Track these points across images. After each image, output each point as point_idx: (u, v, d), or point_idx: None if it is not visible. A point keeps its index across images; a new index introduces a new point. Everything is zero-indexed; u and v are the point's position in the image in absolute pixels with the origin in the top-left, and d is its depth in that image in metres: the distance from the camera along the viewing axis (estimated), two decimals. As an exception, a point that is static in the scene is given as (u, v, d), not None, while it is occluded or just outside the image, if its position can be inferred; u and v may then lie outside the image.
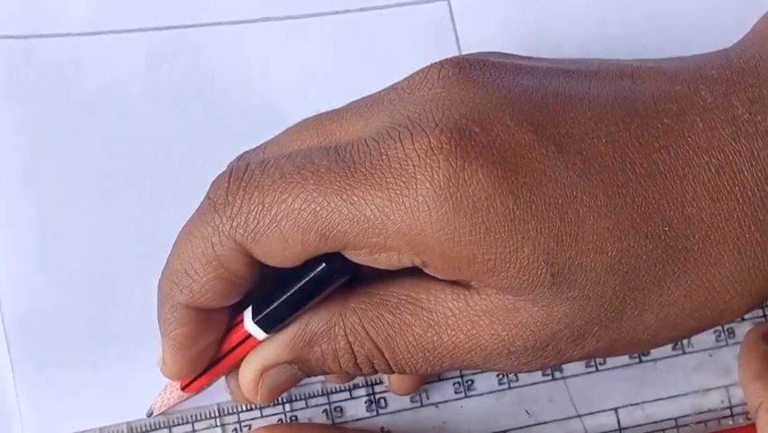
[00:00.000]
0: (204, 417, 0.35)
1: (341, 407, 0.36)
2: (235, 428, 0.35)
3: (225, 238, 0.29)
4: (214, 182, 0.30)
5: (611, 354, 0.31)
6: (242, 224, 0.29)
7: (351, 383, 0.36)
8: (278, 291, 0.30)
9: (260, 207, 0.28)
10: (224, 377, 0.34)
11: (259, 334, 0.31)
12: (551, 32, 0.37)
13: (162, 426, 0.35)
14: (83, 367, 0.35)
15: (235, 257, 0.29)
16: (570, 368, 0.37)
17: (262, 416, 0.36)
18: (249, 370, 0.32)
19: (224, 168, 0.36)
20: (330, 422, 0.36)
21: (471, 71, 0.29)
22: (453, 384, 0.37)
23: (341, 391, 0.36)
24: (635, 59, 0.31)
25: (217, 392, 0.35)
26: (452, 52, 0.37)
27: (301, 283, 0.29)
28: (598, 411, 0.37)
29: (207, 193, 0.30)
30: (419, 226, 0.27)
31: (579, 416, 0.37)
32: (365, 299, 0.30)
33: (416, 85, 0.29)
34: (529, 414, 0.37)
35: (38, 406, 0.35)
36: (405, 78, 0.30)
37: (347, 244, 0.28)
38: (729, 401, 0.38)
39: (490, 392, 0.37)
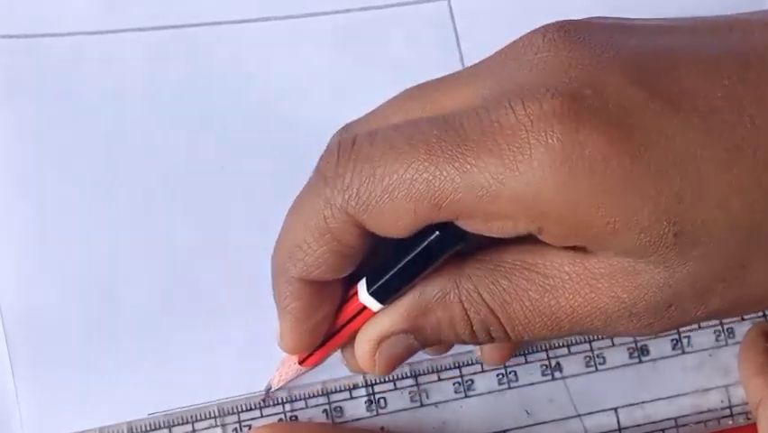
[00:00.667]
0: (204, 417, 0.35)
1: (340, 407, 0.36)
2: (235, 428, 0.35)
3: (337, 211, 0.29)
4: (322, 156, 0.30)
5: (736, 313, 0.30)
6: (353, 196, 0.29)
7: (351, 383, 0.36)
8: (391, 262, 0.30)
9: (372, 179, 0.28)
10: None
11: (374, 305, 0.31)
12: None
13: (162, 426, 0.35)
14: (83, 367, 0.35)
15: (348, 229, 0.29)
16: (569, 368, 0.37)
17: (262, 415, 0.36)
18: (365, 341, 0.31)
19: (224, 167, 0.36)
20: (330, 422, 0.36)
21: (577, 34, 0.28)
22: (453, 384, 0.37)
23: (340, 391, 0.36)
24: (741, 12, 0.30)
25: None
26: (452, 52, 0.37)
27: (415, 252, 0.29)
28: (598, 411, 0.37)
29: (317, 167, 0.30)
30: (535, 193, 0.27)
31: (578, 416, 0.37)
32: (478, 265, 0.30)
33: (521, 50, 0.29)
34: (529, 414, 0.37)
35: (38, 406, 0.35)
36: (507, 45, 0.29)
37: (461, 212, 0.28)
38: (729, 401, 0.38)
39: (490, 392, 0.37)
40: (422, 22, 0.37)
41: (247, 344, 0.36)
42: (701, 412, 0.38)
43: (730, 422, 0.38)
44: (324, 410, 0.36)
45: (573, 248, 0.28)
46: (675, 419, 0.37)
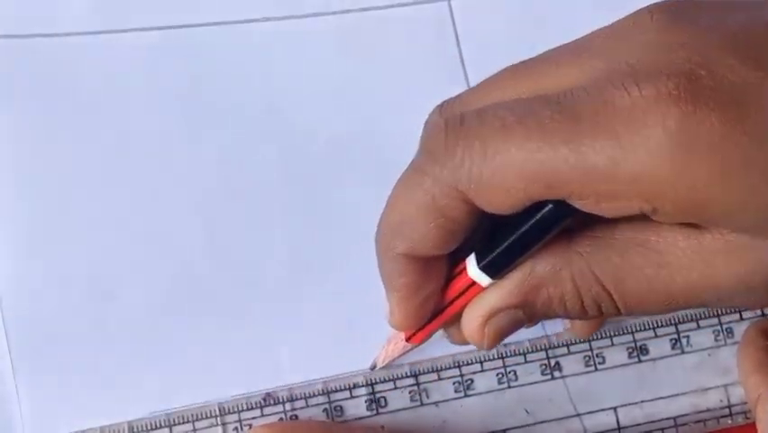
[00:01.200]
0: (204, 416, 0.35)
1: (341, 406, 0.36)
2: (236, 427, 0.35)
3: (447, 188, 0.29)
4: (426, 135, 0.30)
5: None
6: (464, 174, 0.28)
7: (351, 382, 0.36)
8: (500, 237, 0.30)
9: (483, 157, 0.28)
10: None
11: (483, 280, 0.31)
12: (552, 32, 0.37)
13: (163, 425, 0.35)
14: (83, 367, 0.35)
15: (456, 206, 0.29)
16: (569, 367, 0.37)
17: (263, 415, 0.36)
18: (474, 317, 0.32)
19: (224, 167, 0.36)
20: (330, 421, 0.36)
21: (684, 13, 0.28)
22: (453, 383, 0.37)
23: (341, 390, 0.36)
24: None
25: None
26: (452, 52, 0.37)
27: (526, 227, 0.29)
28: (598, 410, 0.37)
29: (422, 146, 0.30)
30: (652, 174, 0.26)
31: (578, 415, 0.37)
32: (589, 242, 0.30)
33: (627, 30, 0.29)
34: (528, 413, 0.37)
35: (39, 405, 0.35)
36: (610, 25, 0.29)
37: (572, 192, 0.28)
38: (728, 401, 0.38)
39: (489, 391, 0.37)
40: (422, 21, 0.37)
41: (248, 344, 0.36)
42: (700, 412, 0.38)
43: (729, 421, 0.38)
44: (325, 409, 0.36)
45: (686, 224, 0.29)
46: (674, 418, 0.37)
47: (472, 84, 0.35)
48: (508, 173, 0.28)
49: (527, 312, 0.31)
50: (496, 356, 0.37)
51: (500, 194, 0.28)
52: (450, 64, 0.37)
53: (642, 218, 0.28)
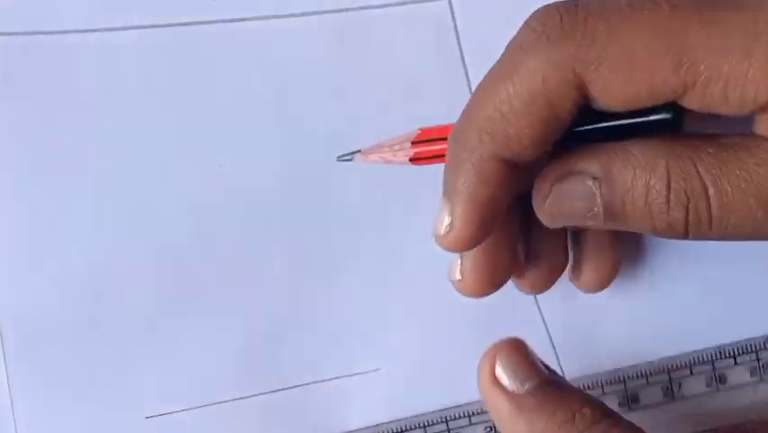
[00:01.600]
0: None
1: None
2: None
3: (562, 69, 0.27)
4: (535, 18, 0.28)
5: None
6: (583, 52, 0.27)
7: (471, 410, 0.36)
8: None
9: (606, 36, 0.27)
10: None
11: None
12: None
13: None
14: (81, 368, 0.36)
15: (566, 93, 0.27)
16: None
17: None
18: (548, 177, 0.29)
19: (224, 166, 0.36)
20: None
21: None
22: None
23: (459, 417, 0.36)
24: None
25: None
26: (453, 51, 0.37)
27: (631, 121, 0.28)
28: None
29: (528, 28, 0.28)
30: None
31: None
32: (691, 143, 0.28)
33: None
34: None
35: (33, 408, 0.35)
36: None
37: (698, 77, 0.26)
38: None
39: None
40: (423, 20, 0.37)
41: (247, 344, 0.36)
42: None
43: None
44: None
45: None
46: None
47: (474, 84, 0.35)
48: (636, 49, 0.26)
49: (604, 190, 0.28)
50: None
51: (621, 77, 0.27)
52: (450, 64, 0.37)
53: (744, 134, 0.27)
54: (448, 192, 0.29)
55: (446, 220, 0.30)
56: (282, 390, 0.36)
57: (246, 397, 0.36)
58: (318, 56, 0.37)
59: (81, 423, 0.35)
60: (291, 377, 0.36)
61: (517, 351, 0.31)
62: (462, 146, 0.29)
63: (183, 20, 0.37)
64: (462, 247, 0.30)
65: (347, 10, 0.37)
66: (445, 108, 0.32)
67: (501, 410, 0.31)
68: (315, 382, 0.36)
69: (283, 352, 0.36)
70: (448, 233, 0.30)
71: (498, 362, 0.31)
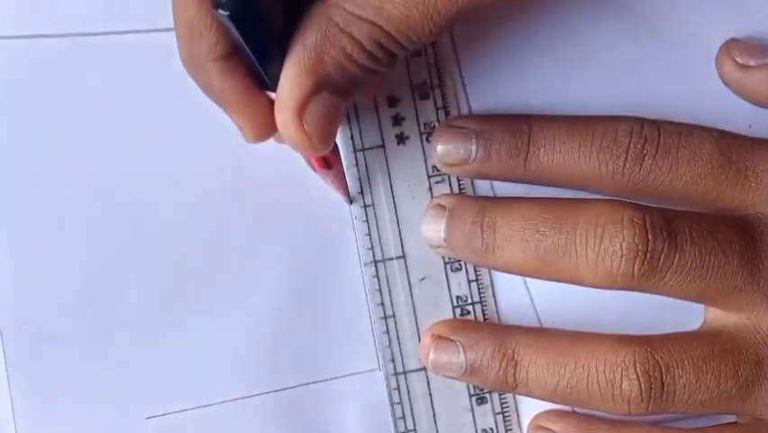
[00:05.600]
0: None
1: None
2: None
3: None
4: None
5: None
6: None
7: None
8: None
9: None
10: None
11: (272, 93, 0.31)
12: (551, 34, 0.37)
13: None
14: (79, 369, 0.36)
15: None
16: None
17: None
18: (286, 120, 0.30)
19: (224, 168, 0.36)
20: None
21: None
22: None
23: None
24: None
25: None
26: (450, 53, 0.37)
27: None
28: None
29: None
30: None
31: None
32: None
33: None
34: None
35: (33, 410, 0.35)
36: None
37: None
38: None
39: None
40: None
41: (247, 344, 0.36)
42: None
43: None
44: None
45: None
46: None
47: (468, 83, 0.36)
48: None
49: (330, 87, 0.30)
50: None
51: None
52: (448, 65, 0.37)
53: None
54: (219, 104, 0.31)
55: (237, 126, 0.32)
56: (282, 390, 0.36)
57: (246, 397, 0.36)
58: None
59: (81, 423, 0.35)
60: (291, 377, 0.36)
61: None
62: (191, 72, 0.31)
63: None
64: (262, 137, 0.32)
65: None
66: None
67: None
68: (314, 383, 0.36)
69: (283, 352, 0.36)
70: (245, 132, 0.32)
71: None
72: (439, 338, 0.35)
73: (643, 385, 0.32)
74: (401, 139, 0.36)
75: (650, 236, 0.31)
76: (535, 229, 0.32)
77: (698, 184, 0.33)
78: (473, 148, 0.34)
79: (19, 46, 0.36)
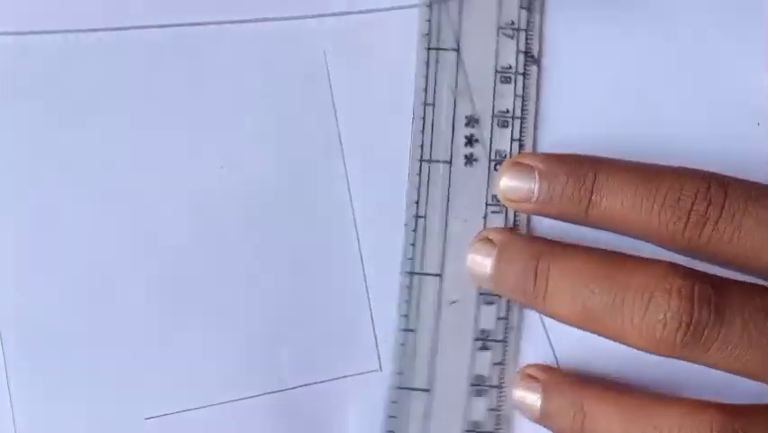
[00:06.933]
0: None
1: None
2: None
3: None
4: None
5: None
6: None
7: None
8: None
9: None
10: None
11: None
12: (551, 35, 0.38)
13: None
14: (82, 368, 0.35)
15: None
16: None
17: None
18: None
19: (224, 167, 0.36)
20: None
21: None
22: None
23: None
24: None
25: None
26: (450, 55, 0.37)
27: None
28: None
29: None
30: None
31: None
32: None
33: None
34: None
35: (33, 409, 0.35)
36: None
37: None
38: None
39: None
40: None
41: (247, 344, 0.36)
42: None
43: None
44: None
45: None
46: None
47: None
48: None
49: None
50: None
51: None
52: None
53: None
54: None
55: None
56: (282, 390, 0.36)
57: (246, 397, 0.36)
58: (319, 58, 0.37)
59: (80, 422, 0.35)
60: (291, 377, 0.36)
61: None
62: None
63: (184, 20, 0.36)
64: None
65: (347, 13, 0.38)
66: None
67: None
68: (315, 383, 0.36)
69: (283, 352, 0.36)
70: None
71: None
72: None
73: None
74: (469, 160, 0.36)
75: (695, 308, 0.32)
76: (585, 285, 0.33)
77: (760, 255, 0.33)
78: (536, 188, 0.34)
79: (17, 43, 0.35)
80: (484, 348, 0.36)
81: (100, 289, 0.35)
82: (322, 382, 0.36)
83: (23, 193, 0.35)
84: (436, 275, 0.36)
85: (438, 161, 0.36)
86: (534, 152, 0.36)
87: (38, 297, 0.35)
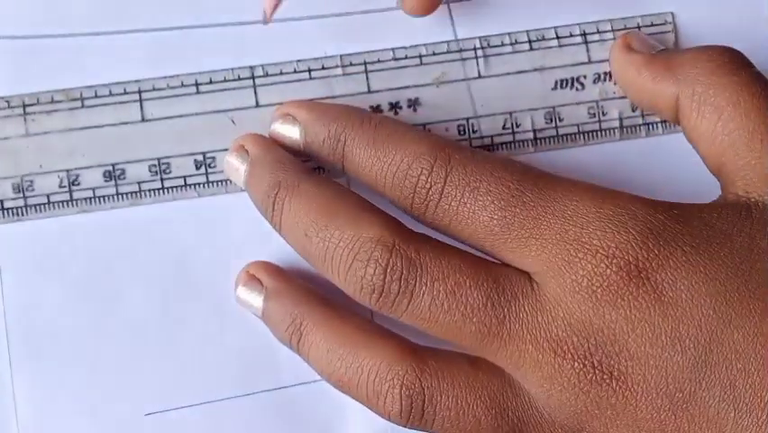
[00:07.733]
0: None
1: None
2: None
3: None
4: None
5: None
6: None
7: None
8: None
9: None
10: None
11: None
12: (552, 34, 0.37)
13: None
14: (82, 366, 0.36)
15: None
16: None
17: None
18: None
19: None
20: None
21: None
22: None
23: None
24: None
25: None
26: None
27: None
28: None
29: None
30: None
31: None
32: None
33: None
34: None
35: (35, 407, 0.35)
36: None
37: None
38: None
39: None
40: (422, 24, 0.37)
41: (246, 342, 0.36)
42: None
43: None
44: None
45: None
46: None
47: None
48: None
49: None
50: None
51: None
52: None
53: None
54: None
55: None
56: (281, 388, 0.36)
57: (245, 395, 0.36)
58: (319, 59, 0.37)
59: (81, 419, 0.35)
60: (291, 375, 0.36)
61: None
62: None
63: (186, 23, 0.37)
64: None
65: (348, 14, 0.37)
66: None
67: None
68: (314, 381, 0.36)
69: (282, 350, 0.36)
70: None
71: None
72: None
73: (403, 408, 0.32)
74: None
75: (385, 281, 0.32)
76: (305, 230, 0.33)
77: (476, 243, 0.33)
78: (301, 143, 0.35)
79: (23, 46, 0.36)
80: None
81: (100, 288, 0.36)
82: (321, 380, 0.36)
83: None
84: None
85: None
86: (300, 102, 0.36)
87: (40, 296, 0.36)
